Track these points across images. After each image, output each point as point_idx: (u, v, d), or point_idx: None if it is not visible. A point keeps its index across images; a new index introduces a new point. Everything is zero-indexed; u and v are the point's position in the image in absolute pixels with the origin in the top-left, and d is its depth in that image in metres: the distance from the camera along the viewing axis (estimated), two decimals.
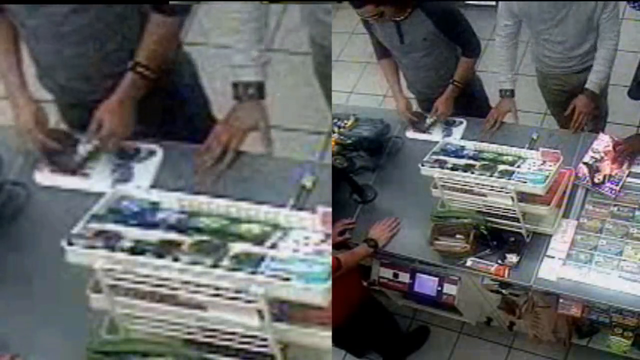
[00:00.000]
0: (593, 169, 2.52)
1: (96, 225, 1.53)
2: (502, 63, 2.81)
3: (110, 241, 1.48)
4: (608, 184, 2.47)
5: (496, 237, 2.46)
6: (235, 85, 2.13)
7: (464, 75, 2.86)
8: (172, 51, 2.27)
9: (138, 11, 2.16)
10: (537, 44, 2.80)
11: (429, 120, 2.96)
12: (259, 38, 2.13)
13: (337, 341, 2.72)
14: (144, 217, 1.57)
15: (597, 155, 2.56)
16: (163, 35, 2.15)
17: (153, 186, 2.10)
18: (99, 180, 2.19)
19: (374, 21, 2.66)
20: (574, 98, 2.72)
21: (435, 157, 2.44)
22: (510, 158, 2.36)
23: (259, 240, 1.50)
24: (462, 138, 2.79)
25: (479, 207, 2.43)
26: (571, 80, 2.77)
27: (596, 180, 2.49)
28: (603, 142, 2.58)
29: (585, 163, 2.55)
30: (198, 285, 1.41)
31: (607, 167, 2.51)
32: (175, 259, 1.43)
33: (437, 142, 2.57)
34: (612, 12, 2.47)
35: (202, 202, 1.60)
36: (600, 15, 2.50)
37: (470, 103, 3.03)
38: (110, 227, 1.52)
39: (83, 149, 2.18)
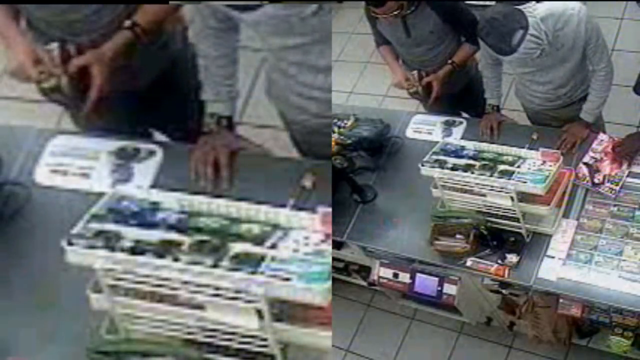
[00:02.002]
0: (593, 169, 2.52)
1: (96, 225, 1.53)
2: (487, 81, 2.81)
3: (110, 241, 1.48)
4: (608, 184, 2.46)
5: (496, 237, 2.46)
6: (210, 115, 2.20)
7: (464, 59, 2.86)
8: (168, 21, 2.31)
9: None
10: (521, 83, 2.75)
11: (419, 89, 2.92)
12: (228, 74, 2.20)
13: None
14: (144, 217, 1.57)
15: (597, 155, 2.55)
16: (164, 6, 2.19)
17: (153, 186, 2.10)
18: (99, 180, 2.19)
19: (387, 17, 2.63)
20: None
21: (435, 157, 2.44)
22: (510, 158, 2.36)
23: (259, 240, 1.50)
24: (462, 138, 2.79)
25: (479, 207, 2.43)
26: (561, 114, 2.71)
27: (596, 180, 2.49)
28: (603, 142, 2.58)
29: (585, 163, 2.55)
30: (198, 285, 1.41)
31: (607, 167, 2.50)
32: (175, 259, 1.43)
33: (437, 142, 2.57)
34: (597, 43, 2.38)
35: (202, 202, 1.60)
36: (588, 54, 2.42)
37: (472, 103, 3.04)
38: (110, 227, 1.52)
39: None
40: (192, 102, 2.35)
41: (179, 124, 2.55)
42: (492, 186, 2.29)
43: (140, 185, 2.11)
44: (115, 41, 2.12)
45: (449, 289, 2.62)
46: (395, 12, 2.57)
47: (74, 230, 1.51)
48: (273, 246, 1.48)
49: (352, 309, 3.47)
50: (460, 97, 3.04)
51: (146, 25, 2.14)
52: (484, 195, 2.36)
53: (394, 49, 2.96)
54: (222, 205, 1.59)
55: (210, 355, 1.52)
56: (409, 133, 3.02)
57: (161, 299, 1.48)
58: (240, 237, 1.51)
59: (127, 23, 2.13)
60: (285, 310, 1.48)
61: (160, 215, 1.57)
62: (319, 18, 1.90)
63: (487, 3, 4.22)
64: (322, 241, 1.51)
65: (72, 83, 2.07)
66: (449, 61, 2.84)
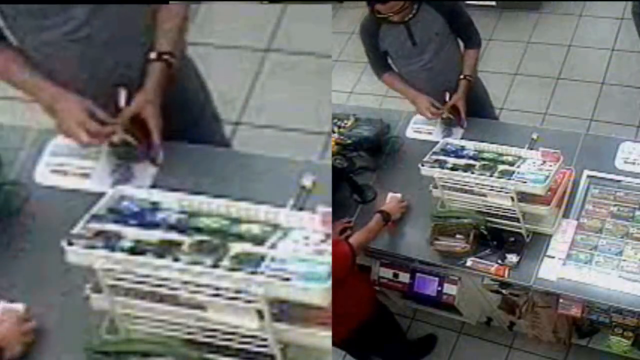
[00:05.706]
0: None
1: (96, 225, 1.53)
2: None
3: (110, 241, 1.48)
4: None
5: (496, 237, 2.46)
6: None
7: (473, 67, 2.85)
8: (187, 34, 2.24)
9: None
10: None
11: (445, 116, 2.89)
12: None
13: (345, 349, 2.68)
14: (144, 217, 1.57)
15: None
16: (178, 20, 2.14)
17: (153, 186, 2.10)
18: (99, 180, 2.19)
19: (394, 17, 2.59)
20: None
21: (435, 157, 2.44)
22: (510, 158, 2.36)
23: (259, 240, 1.50)
24: (462, 138, 2.79)
25: (479, 207, 2.43)
26: None
27: None
28: None
29: None
30: (198, 285, 1.41)
31: None
32: (175, 259, 1.43)
33: (437, 142, 2.57)
34: None
35: (202, 202, 1.61)
36: None
37: (473, 104, 3.03)
38: (110, 227, 1.52)
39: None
40: (196, 109, 2.33)
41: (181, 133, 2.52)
42: (492, 186, 2.29)
43: (140, 185, 2.11)
44: (152, 77, 2.06)
45: (449, 289, 2.63)
46: (399, 10, 2.53)
47: (74, 230, 1.51)
48: (273, 246, 1.48)
49: None
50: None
51: (173, 48, 2.08)
52: (484, 195, 2.36)
53: (398, 73, 2.91)
54: (222, 205, 1.59)
55: (210, 355, 1.52)
56: (409, 133, 3.02)
57: (161, 299, 1.48)
58: (240, 237, 1.51)
59: (153, 55, 2.06)
60: (285, 310, 1.48)
61: (160, 215, 1.57)
62: None
63: (487, 3, 4.24)
64: (322, 241, 1.51)
65: (129, 134, 2.06)
66: (462, 76, 2.81)
